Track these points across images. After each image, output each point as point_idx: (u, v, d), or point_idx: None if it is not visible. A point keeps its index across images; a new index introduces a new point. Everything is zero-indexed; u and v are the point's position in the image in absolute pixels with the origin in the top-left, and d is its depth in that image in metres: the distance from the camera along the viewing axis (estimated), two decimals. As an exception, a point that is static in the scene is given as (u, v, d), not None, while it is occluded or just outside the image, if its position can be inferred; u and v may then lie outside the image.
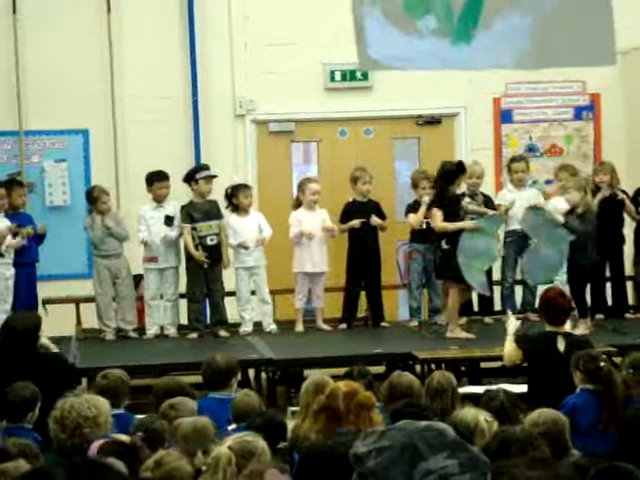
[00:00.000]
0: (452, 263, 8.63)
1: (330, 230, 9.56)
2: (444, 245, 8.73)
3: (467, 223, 8.75)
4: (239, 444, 3.97)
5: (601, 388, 5.83)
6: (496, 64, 5.16)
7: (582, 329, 8.57)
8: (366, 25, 4.53)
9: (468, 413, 4.76)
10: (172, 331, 9.57)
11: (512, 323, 6.97)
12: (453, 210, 8.76)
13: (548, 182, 10.78)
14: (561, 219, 8.89)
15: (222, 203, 9.64)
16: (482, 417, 4.71)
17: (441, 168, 8.98)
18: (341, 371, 6.30)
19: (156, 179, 9.52)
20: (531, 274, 8.72)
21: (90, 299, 9.69)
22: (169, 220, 9.48)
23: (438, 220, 8.75)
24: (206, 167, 9.81)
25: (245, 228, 9.49)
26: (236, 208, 9.56)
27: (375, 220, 9.60)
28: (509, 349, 6.80)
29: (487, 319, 9.64)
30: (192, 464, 4.45)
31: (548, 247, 8.81)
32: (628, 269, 10.03)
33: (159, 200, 9.53)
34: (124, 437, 4.83)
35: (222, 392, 6.09)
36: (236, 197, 9.55)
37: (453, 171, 8.82)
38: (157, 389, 5.98)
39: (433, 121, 11.22)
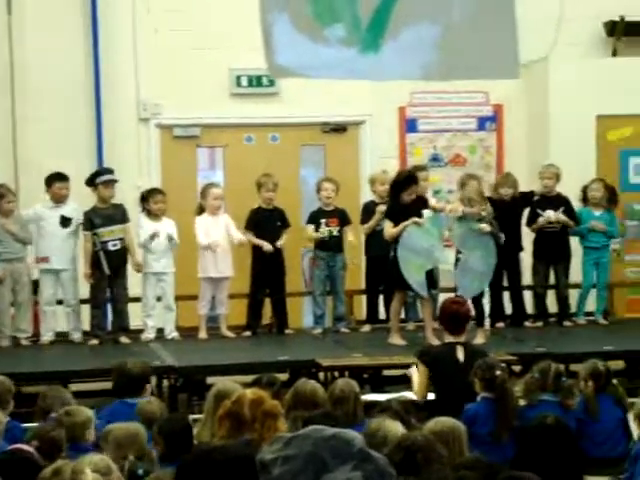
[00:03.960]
0: (395, 269, 8.64)
1: (233, 237, 9.50)
2: (392, 253, 8.72)
3: (407, 223, 8.65)
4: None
5: (496, 396, 5.92)
6: (404, 75, 5.19)
7: (480, 338, 8.66)
8: (274, 32, 4.50)
9: (389, 423, 4.77)
10: (76, 337, 9.40)
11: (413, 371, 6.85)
12: (402, 220, 8.69)
13: (450, 192, 10.93)
14: (487, 228, 8.92)
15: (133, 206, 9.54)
16: (400, 427, 4.72)
17: (394, 178, 9.01)
18: (249, 379, 6.26)
19: (57, 179, 9.36)
20: (465, 288, 8.70)
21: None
22: (65, 220, 9.33)
23: (388, 229, 8.76)
24: (109, 171, 9.67)
25: (158, 237, 9.39)
26: (149, 212, 9.48)
27: (280, 244, 9.58)
28: (416, 382, 6.65)
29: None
30: (122, 469, 4.41)
31: (477, 257, 8.81)
32: (527, 279, 10.20)
33: (58, 201, 9.37)
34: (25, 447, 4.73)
35: (136, 398, 5.99)
36: (147, 201, 9.47)
37: (401, 182, 8.82)
38: (43, 397, 5.88)
39: (339, 129, 11.27)
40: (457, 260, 8.86)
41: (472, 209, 8.82)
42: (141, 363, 6.34)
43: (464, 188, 9.32)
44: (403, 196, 8.70)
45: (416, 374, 6.69)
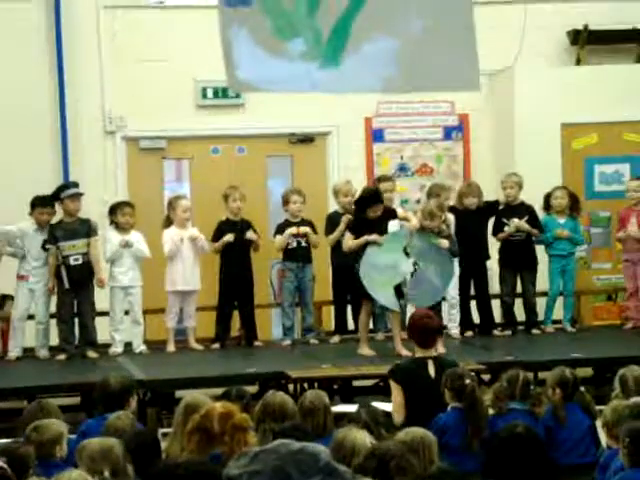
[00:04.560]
0: (360, 281, 8.65)
1: (197, 239, 9.44)
2: (356, 266, 8.72)
3: (368, 237, 8.62)
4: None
5: (465, 405, 5.91)
6: (365, 88, 5.18)
7: (440, 348, 8.65)
8: (234, 46, 4.49)
9: (356, 434, 4.75)
10: (42, 354, 9.32)
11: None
12: (367, 233, 8.66)
13: (418, 201, 10.97)
14: (446, 243, 8.92)
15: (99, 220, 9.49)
16: (368, 439, 4.70)
17: (360, 194, 9.01)
18: (218, 392, 6.23)
19: (38, 204, 9.29)
20: (417, 298, 8.69)
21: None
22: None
23: (346, 242, 8.71)
24: (74, 185, 9.61)
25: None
26: (117, 225, 9.43)
27: (251, 234, 9.57)
28: (394, 403, 6.50)
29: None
30: None
31: (433, 271, 8.80)
32: (495, 288, 10.23)
33: (39, 224, 9.29)
34: None
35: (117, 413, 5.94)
36: (115, 214, 9.42)
37: (365, 199, 8.80)
38: (26, 414, 5.82)
39: (306, 139, 11.27)
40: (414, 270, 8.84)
41: (432, 223, 8.84)
42: (122, 378, 6.30)
43: (436, 199, 9.37)
44: (368, 212, 8.73)
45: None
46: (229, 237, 9.50)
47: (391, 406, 6.51)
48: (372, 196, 8.85)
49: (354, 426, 5.02)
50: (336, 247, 9.66)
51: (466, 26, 4.55)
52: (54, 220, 9.36)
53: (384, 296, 8.67)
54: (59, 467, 4.88)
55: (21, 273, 9.31)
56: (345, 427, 5.00)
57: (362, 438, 4.71)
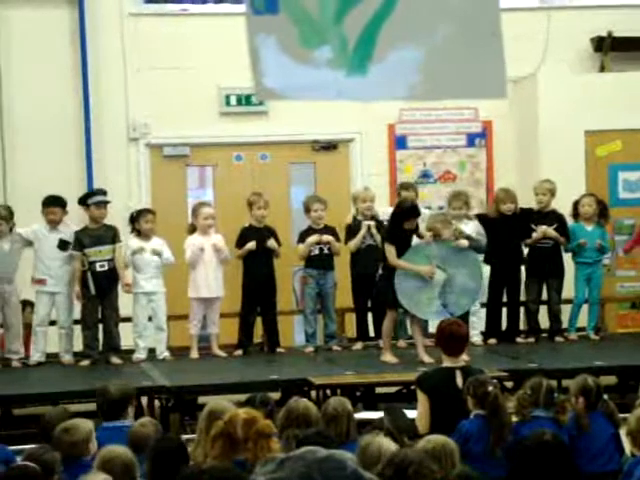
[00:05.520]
0: (386, 287, 8.65)
1: (219, 251, 9.49)
2: (380, 271, 8.73)
3: (419, 267, 8.66)
4: None
5: (488, 412, 5.90)
6: (390, 96, 5.18)
7: (464, 355, 8.63)
8: (261, 54, 4.49)
9: (381, 440, 4.75)
10: (66, 358, 9.36)
11: None
12: (404, 245, 8.73)
13: (441, 208, 10.96)
14: (465, 243, 8.94)
15: (122, 227, 9.53)
16: (393, 445, 4.70)
17: (397, 206, 9.06)
18: (241, 398, 6.23)
19: (47, 204, 9.34)
20: (455, 305, 8.69)
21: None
22: (63, 244, 9.30)
23: (392, 256, 8.73)
24: (102, 192, 9.66)
25: (144, 252, 9.40)
26: (138, 232, 9.47)
27: (272, 243, 9.59)
28: (419, 413, 6.43)
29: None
30: None
31: (464, 274, 8.82)
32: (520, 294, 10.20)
33: (50, 224, 9.35)
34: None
35: (117, 421, 5.96)
36: (137, 221, 9.46)
37: (402, 213, 8.81)
38: (47, 419, 5.84)
39: (329, 146, 11.29)
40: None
41: (443, 236, 8.87)
42: (122, 386, 6.23)
43: (437, 214, 9.43)
44: (404, 224, 8.75)
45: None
46: (251, 245, 9.53)
47: (415, 414, 6.49)
48: (410, 210, 8.87)
49: (379, 434, 5.02)
50: (356, 254, 9.67)
51: (493, 33, 4.53)
52: (78, 227, 9.40)
53: (433, 313, 8.66)
54: (86, 467, 4.89)
55: (38, 277, 9.34)
56: (370, 434, 5.00)
57: (387, 445, 4.71)
